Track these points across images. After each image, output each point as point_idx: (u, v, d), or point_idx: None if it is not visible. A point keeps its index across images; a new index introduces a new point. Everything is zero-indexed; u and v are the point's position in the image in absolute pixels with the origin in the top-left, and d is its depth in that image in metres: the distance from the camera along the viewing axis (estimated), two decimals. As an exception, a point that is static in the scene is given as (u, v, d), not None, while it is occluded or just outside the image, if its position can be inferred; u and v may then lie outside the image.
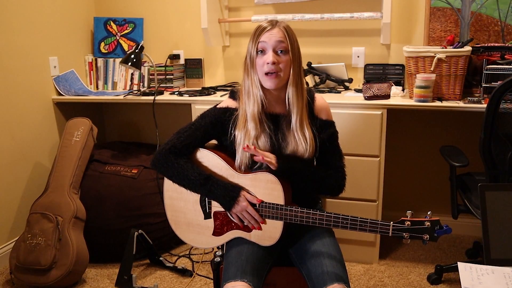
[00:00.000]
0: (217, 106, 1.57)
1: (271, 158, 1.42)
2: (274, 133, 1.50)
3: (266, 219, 1.45)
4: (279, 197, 1.43)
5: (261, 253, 1.46)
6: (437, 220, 1.30)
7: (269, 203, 1.43)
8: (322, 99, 1.59)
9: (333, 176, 1.54)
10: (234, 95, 1.58)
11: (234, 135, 1.50)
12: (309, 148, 1.47)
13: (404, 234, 1.31)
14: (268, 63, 1.41)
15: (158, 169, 1.52)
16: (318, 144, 1.50)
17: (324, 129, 1.54)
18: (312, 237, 1.50)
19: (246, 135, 1.47)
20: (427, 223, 1.30)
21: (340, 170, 1.56)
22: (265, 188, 1.44)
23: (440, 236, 1.31)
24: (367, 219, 1.34)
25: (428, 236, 1.30)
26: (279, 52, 1.43)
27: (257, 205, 1.44)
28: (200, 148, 1.53)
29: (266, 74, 1.43)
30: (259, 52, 1.44)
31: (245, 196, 1.44)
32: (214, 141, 1.61)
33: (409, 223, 1.31)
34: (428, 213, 1.32)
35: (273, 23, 1.44)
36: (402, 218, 1.32)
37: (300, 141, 1.46)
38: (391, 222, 1.32)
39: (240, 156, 1.48)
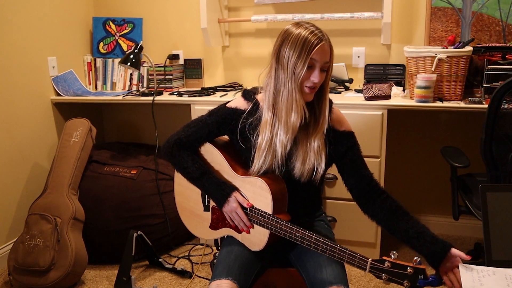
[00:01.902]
0: (227, 105, 1.53)
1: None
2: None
3: (254, 225, 1.44)
4: (268, 205, 1.41)
5: (252, 254, 1.46)
6: (422, 269, 1.16)
7: (259, 210, 1.42)
8: (338, 110, 1.54)
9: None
10: (248, 96, 1.52)
11: (255, 139, 1.45)
12: (322, 163, 1.44)
13: (382, 274, 1.20)
14: (313, 80, 1.37)
15: (165, 157, 1.56)
16: (328, 156, 1.46)
17: (341, 141, 1.48)
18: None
19: (282, 145, 1.41)
20: (410, 270, 1.16)
21: (375, 180, 1.57)
22: (257, 193, 1.44)
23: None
24: (346, 250, 1.27)
25: (409, 284, 1.16)
26: (323, 70, 1.39)
27: (248, 209, 1.44)
28: (208, 143, 1.55)
29: (306, 86, 1.39)
30: (308, 67, 1.36)
31: (236, 198, 1.44)
32: (225, 137, 1.59)
33: (389, 264, 1.19)
34: (416, 258, 1.19)
35: (320, 36, 1.35)
36: (383, 258, 1.21)
37: (313, 151, 1.43)
38: (370, 259, 1.23)
39: (261, 162, 1.44)
